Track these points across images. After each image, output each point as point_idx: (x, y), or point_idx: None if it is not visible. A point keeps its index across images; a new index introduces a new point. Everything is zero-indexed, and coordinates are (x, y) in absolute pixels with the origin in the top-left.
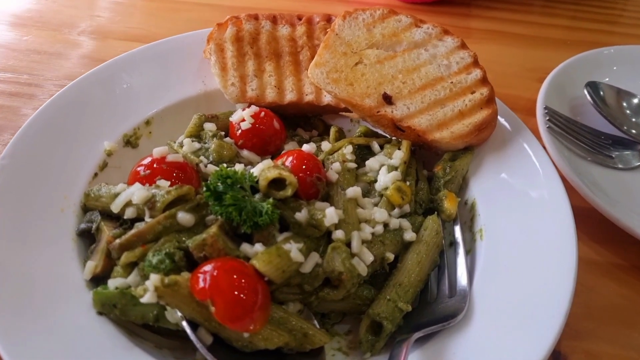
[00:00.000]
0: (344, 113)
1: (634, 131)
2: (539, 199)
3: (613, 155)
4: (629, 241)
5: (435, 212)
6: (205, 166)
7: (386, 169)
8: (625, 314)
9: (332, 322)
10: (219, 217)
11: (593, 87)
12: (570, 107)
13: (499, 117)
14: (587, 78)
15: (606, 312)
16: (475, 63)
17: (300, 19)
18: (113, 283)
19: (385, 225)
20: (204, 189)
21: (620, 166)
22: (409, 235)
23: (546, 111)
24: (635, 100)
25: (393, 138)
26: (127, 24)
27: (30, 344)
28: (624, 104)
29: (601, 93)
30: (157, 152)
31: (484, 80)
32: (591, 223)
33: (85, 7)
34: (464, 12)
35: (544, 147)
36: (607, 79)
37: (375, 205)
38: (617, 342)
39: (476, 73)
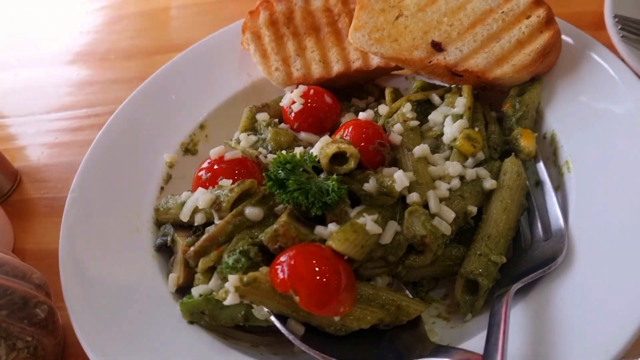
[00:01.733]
0: (396, 72)
1: None
2: (625, 114)
3: None
4: None
5: (513, 154)
6: (265, 157)
7: (451, 119)
8: None
9: (425, 289)
10: (287, 204)
11: None
12: None
13: (563, 37)
14: None
15: None
16: None
17: None
18: (196, 291)
19: (462, 178)
20: (266, 179)
21: None
22: (489, 183)
23: (616, 20)
24: None
25: (452, 86)
26: (162, 38)
27: None
28: None
29: None
30: (214, 152)
31: (538, 1)
32: None
33: (120, 30)
34: None
35: (621, 59)
36: None
37: (447, 159)
38: None
39: None
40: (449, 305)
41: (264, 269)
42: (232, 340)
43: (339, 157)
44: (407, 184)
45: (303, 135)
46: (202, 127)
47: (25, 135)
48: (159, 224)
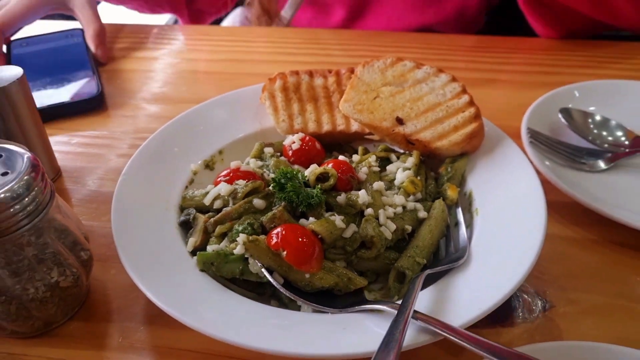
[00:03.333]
0: (367, 137)
1: (598, 141)
2: (517, 183)
3: (585, 162)
4: (599, 222)
5: (441, 198)
6: (268, 175)
7: (402, 170)
8: (600, 273)
9: (368, 280)
10: (283, 201)
11: (565, 111)
12: (549, 129)
13: (490, 133)
14: (561, 106)
15: (585, 272)
16: (464, 91)
17: (330, 72)
18: (210, 248)
19: (404, 207)
20: (272, 182)
21: (590, 170)
22: (422, 214)
23: (528, 130)
24: (597, 117)
25: (406, 152)
26: (189, 91)
27: (164, 289)
28: (589, 121)
29: (571, 115)
30: (234, 164)
31: (471, 103)
32: (568, 211)
33: (151, 82)
34: (462, 67)
35: (524, 152)
36: (577, 106)
37: (395, 194)
38: (594, 291)
39: (465, 98)
40: (383, 294)
41: (262, 237)
42: (228, 287)
43: (322, 179)
44: (367, 202)
45: (296, 167)
46: (220, 152)
47: (70, 144)
48: (182, 208)
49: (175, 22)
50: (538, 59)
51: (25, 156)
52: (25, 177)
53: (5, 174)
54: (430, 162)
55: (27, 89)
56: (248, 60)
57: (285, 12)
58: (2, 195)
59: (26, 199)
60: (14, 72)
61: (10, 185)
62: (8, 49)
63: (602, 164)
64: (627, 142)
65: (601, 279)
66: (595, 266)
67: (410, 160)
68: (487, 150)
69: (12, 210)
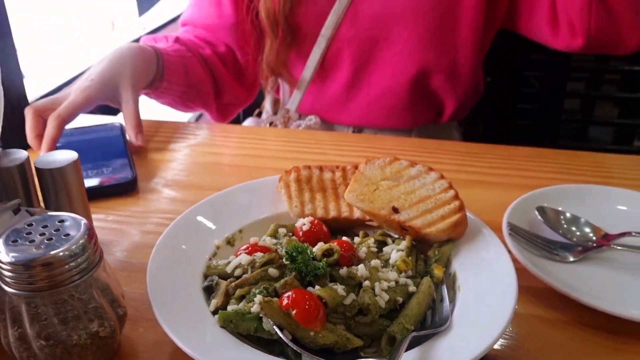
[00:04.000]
0: (368, 223)
1: (568, 235)
2: (495, 269)
3: (557, 253)
4: (570, 305)
5: (429, 276)
6: (281, 251)
7: (396, 251)
8: (572, 351)
9: (364, 344)
10: (293, 272)
11: (541, 209)
12: (527, 224)
13: (474, 225)
14: (538, 205)
15: (557, 349)
16: (450, 187)
17: (337, 168)
18: (230, 308)
19: (396, 282)
20: (285, 255)
21: (561, 260)
22: (412, 288)
23: (509, 224)
24: (568, 215)
25: (400, 237)
26: (213, 180)
27: (189, 340)
28: (561, 217)
29: (546, 212)
30: (253, 240)
31: (456, 197)
32: (543, 295)
33: (177, 171)
34: (454, 169)
35: (505, 245)
36: (552, 205)
37: (389, 271)
38: None
39: (451, 192)
40: (376, 354)
41: (275, 299)
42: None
43: (327, 255)
44: (365, 275)
45: (306, 244)
46: (240, 231)
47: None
48: (206, 276)
49: (197, 119)
50: (520, 165)
51: (83, 222)
52: (81, 241)
53: (67, 235)
54: (421, 246)
55: (80, 171)
56: (266, 156)
57: (291, 104)
58: (62, 254)
59: (80, 258)
60: (70, 155)
61: (68, 245)
62: None
63: (572, 256)
64: (594, 238)
65: (573, 357)
66: (567, 344)
67: (404, 244)
68: (470, 238)
69: (67, 266)
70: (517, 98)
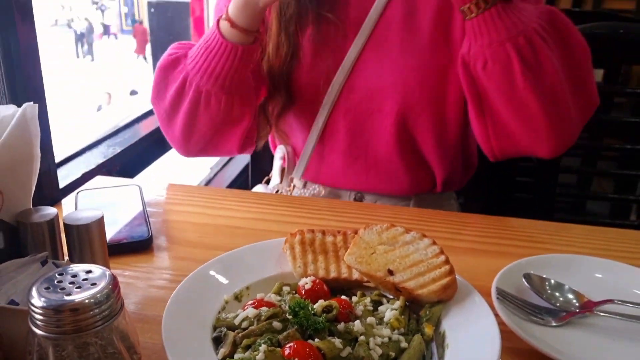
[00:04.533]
0: (365, 284)
1: (552, 301)
2: (481, 329)
3: (542, 318)
4: None
5: (420, 334)
6: (284, 307)
7: (390, 310)
8: None
9: None
10: (295, 325)
11: (527, 276)
12: (515, 290)
13: (463, 289)
14: (525, 272)
15: None
16: (441, 252)
17: (339, 232)
18: (237, 356)
19: (389, 338)
20: (288, 310)
21: (546, 324)
22: (404, 344)
23: (497, 289)
24: (553, 282)
25: (394, 297)
26: (222, 240)
27: None
28: (546, 284)
29: (532, 279)
30: (259, 296)
31: (446, 261)
32: (529, 356)
33: (186, 232)
34: (448, 237)
35: (493, 308)
36: (538, 272)
37: (383, 328)
38: None
39: (442, 257)
40: None
41: (278, 349)
42: None
43: (326, 311)
44: (361, 330)
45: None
46: (247, 288)
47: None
48: (215, 327)
49: (207, 183)
50: (512, 235)
51: (108, 273)
52: (106, 290)
53: (93, 284)
54: (413, 305)
55: (103, 228)
56: (273, 220)
57: (296, 173)
58: (87, 301)
59: (104, 306)
60: (95, 213)
61: (94, 293)
62: (76, 198)
63: (555, 321)
64: (577, 304)
65: None
66: None
67: (397, 303)
68: (460, 300)
69: (91, 312)
70: (514, 172)
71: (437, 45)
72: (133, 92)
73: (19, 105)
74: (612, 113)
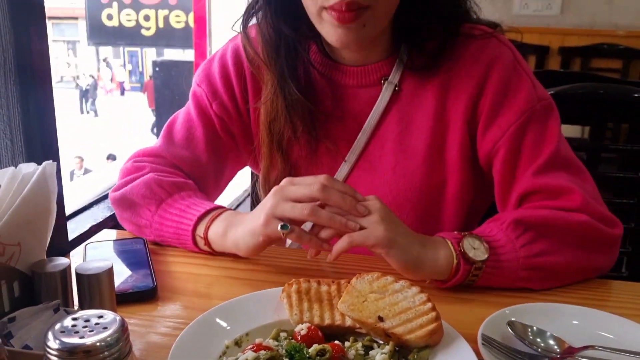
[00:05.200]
0: (357, 330)
1: (534, 347)
2: None
3: None
4: None
5: None
6: (282, 351)
7: (380, 354)
8: None
9: None
10: None
11: (511, 323)
12: (500, 336)
13: (450, 335)
14: (509, 319)
15: None
16: (428, 300)
17: (333, 282)
18: None
19: None
20: (285, 353)
21: None
22: None
23: (483, 336)
24: (535, 329)
25: (384, 342)
26: (226, 291)
27: None
28: (529, 331)
29: (516, 326)
30: (258, 340)
31: (433, 308)
32: None
33: (189, 280)
34: (434, 288)
35: (479, 354)
36: (522, 320)
37: None
38: None
39: (428, 305)
40: None
41: None
42: None
43: (321, 354)
44: None
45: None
46: (247, 334)
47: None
48: None
49: None
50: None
51: (118, 319)
52: (116, 334)
53: (105, 328)
54: (402, 350)
55: (112, 278)
56: (271, 272)
57: (293, 244)
58: (99, 344)
59: (114, 349)
60: (104, 264)
61: (105, 336)
62: (84, 250)
63: None
64: (559, 350)
65: None
66: None
67: (387, 348)
68: (446, 345)
69: (101, 355)
70: None
71: (432, 165)
72: (111, 157)
73: (38, 163)
74: (600, 168)
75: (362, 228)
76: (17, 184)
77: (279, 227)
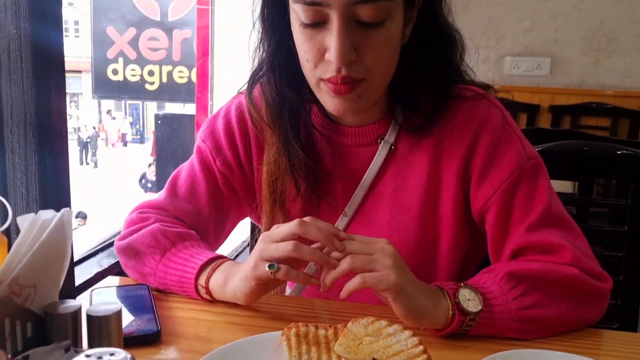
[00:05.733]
0: None
1: None
2: None
3: None
4: None
5: None
6: None
7: None
8: None
9: None
10: None
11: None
12: None
13: None
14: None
15: None
16: (420, 343)
17: (330, 326)
18: None
19: None
20: None
21: None
22: None
23: None
24: None
25: None
26: (225, 336)
27: None
28: None
29: None
30: None
31: (424, 351)
32: None
33: (192, 324)
34: (426, 335)
35: None
36: None
37: None
38: None
39: (420, 347)
40: None
41: None
42: None
43: None
44: None
45: None
46: None
47: None
48: None
49: None
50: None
51: (129, 356)
52: None
53: None
54: None
55: (120, 320)
56: (272, 318)
57: (293, 292)
58: None
59: None
60: (114, 307)
61: None
62: (91, 295)
63: None
64: None
65: None
66: None
67: None
68: None
69: None
70: None
71: (426, 221)
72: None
73: (57, 210)
74: (591, 222)
75: (372, 269)
76: (37, 229)
77: (266, 268)
